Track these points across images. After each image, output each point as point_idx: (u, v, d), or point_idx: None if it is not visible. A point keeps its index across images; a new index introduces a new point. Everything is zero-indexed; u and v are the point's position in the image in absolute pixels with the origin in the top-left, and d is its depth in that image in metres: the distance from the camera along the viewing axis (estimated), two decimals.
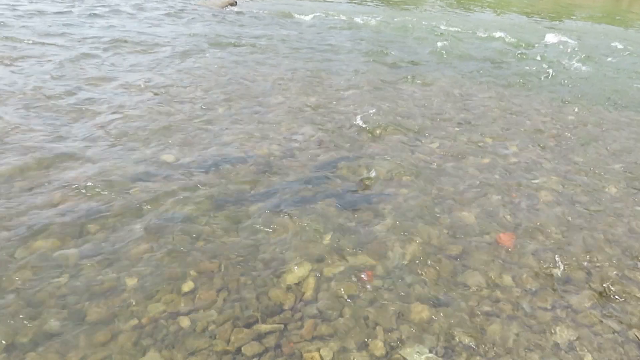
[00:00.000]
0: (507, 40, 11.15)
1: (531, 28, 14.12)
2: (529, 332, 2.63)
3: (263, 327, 2.46)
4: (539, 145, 5.19)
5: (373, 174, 4.10)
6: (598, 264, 3.27)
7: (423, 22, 12.47)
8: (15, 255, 2.75)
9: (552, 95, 7.21)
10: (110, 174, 3.64)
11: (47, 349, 2.23)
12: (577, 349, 2.56)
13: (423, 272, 2.99)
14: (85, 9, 9.76)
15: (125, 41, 7.51)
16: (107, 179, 3.57)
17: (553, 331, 2.65)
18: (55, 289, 2.57)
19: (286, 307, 2.62)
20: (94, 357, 2.21)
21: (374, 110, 5.54)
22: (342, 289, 2.77)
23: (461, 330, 2.59)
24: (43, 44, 6.89)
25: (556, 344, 2.57)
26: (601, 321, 2.77)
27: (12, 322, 2.34)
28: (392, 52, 8.83)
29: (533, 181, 4.33)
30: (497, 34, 11.55)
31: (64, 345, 2.26)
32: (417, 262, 3.08)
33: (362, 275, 2.90)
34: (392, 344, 2.46)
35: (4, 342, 2.24)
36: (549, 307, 2.84)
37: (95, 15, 9.32)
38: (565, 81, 8.08)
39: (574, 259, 3.30)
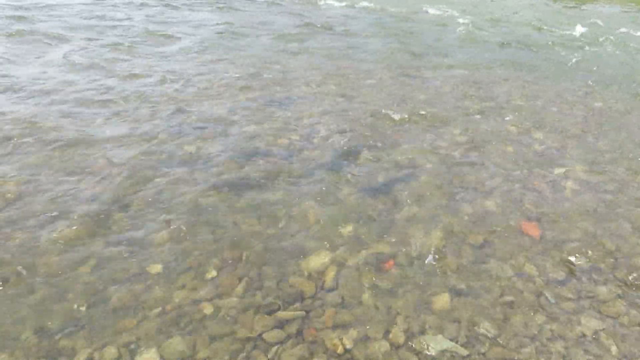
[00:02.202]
0: (532, 25, 10.90)
1: (558, 13, 13.77)
2: (553, 322, 2.59)
3: (285, 315, 2.48)
4: (564, 133, 5.08)
5: (395, 161, 4.07)
6: (625, 254, 3.20)
7: (445, 8, 12.27)
8: (43, 241, 2.82)
9: (578, 82, 7.03)
10: (134, 163, 3.70)
11: (75, 333, 2.29)
12: (603, 339, 2.51)
13: (445, 261, 2.97)
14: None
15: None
16: (131, 168, 3.62)
17: (578, 321, 2.61)
18: (82, 275, 2.63)
19: (307, 294, 2.64)
20: (119, 342, 2.26)
21: (395, 99, 5.49)
22: (363, 277, 2.77)
23: (483, 319, 2.57)
24: (64, 35, 6.99)
25: (581, 335, 2.53)
26: (628, 312, 2.71)
27: (42, 306, 2.41)
28: (414, 40, 8.72)
29: (558, 170, 4.24)
30: (522, 20, 11.31)
31: (91, 329, 2.31)
32: (438, 250, 3.06)
33: (383, 264, 2.90)
34: (414, 332, 2.45)
35: (35, 325, 2.30)
36: (573, 297, 2.79)
37: (115, 6, 9.42)
38: (593, 68, 7.87)
39: (599, 248, 3.23)
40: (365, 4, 11.92)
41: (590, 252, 3.17)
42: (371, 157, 4.15)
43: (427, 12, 11.56)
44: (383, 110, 5.13)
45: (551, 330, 2.54)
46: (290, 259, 2.88)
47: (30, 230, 2.91)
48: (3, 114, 4.34)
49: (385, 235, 3.15)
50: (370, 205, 3.46)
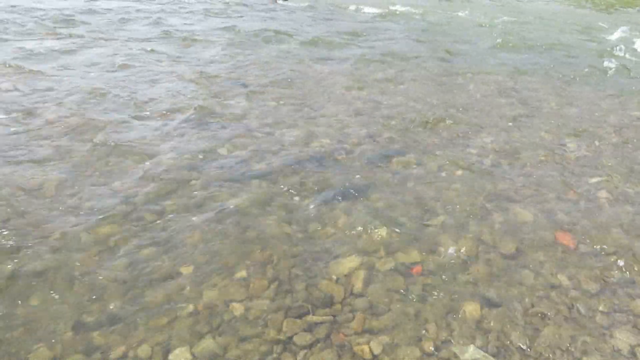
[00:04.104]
0: (567, 31, 10.69)
1: (595, 17, 13.47)
2: (587, 335, 2.53)
3: (314, 318, 2.50)
4: (600, 141, 4.96)
5: (426, 167, 4.05)
6: None
7: (478, 12, 12.14)
8: (80, 239, 2.91)
9: (615, 89, 6.86)
10: (168, 165, 3.78)
11: (110, 330, 2.35)
12: (639, 355, 2.45)
13: (475, 270, 2.94)
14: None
15: (171, 36, 7.72)
16: (165, 170, 3.71)
17: (612, 335, 2.55)
18: (116, 273, 2.70)
19: (336, 299, 2.65)
20: (152, 340, 2.31)
21: (427, 105, 5.46)
22: (392, 284, 2.77)
23: (514, 330, 2.53)
24: (88, 37, 7.19)
25: (616, 349, 2.46)
26: None
27: (78, 303, 2.48)
28: (445, 44, 8.66)
29: (593, 179, 4.15)
30: (557, 25, 11.09)
31: (125, 327, 2.37)
32: (469, 259, 3.03)
33: (412, 270, 2.89)
34: (443, 340, 2.43)
35: (72, 321, 2.37)
36: (608, 310, 2.72)
37: (140, 11, 9.63)
38: (630, 75, 7.67)
39: (636, 261, 3.14)
40: (392, 8, 11.88)
41: (625, 264, 3.09)
42: (402, 163, 4.13)
43: (459, 17, 11.45)
44: (414, 116, 5.11)
45: (585, 344, 2.48)
46: (319, 262, 2.89)
47: (67, 228, 3.00)
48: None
49: (414, 242, 3.14)
50: (400, 212, 3.45)
